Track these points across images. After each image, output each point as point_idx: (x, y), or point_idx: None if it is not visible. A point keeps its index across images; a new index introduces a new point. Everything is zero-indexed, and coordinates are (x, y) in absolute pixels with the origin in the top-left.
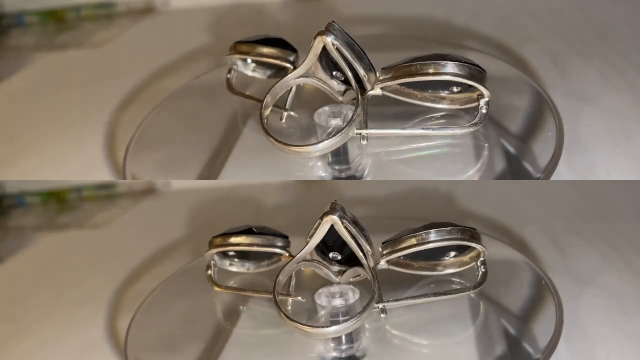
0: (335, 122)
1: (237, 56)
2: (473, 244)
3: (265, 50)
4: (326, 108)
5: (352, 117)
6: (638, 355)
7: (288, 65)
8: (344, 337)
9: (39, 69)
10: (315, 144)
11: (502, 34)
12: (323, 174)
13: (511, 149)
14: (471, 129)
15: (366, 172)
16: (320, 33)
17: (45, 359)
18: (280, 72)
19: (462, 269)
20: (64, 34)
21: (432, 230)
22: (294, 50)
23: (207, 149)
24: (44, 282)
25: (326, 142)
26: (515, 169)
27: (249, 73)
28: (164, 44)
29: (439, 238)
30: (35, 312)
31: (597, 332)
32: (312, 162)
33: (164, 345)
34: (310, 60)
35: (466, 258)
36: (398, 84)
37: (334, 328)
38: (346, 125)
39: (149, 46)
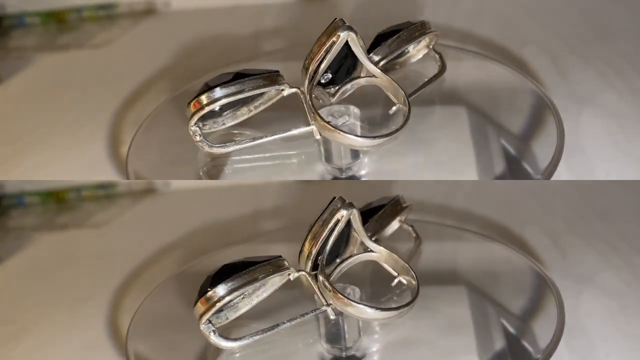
0: (343, 119)
1: (221, 102)
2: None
3: (260, 81)
4: (324, 110)
5: (408, 96)
6: (638, 355)
7: (281, 87)
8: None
9: (41, 69)
10: (398, 130)
11: (502, 36)
12: (323, 174)
13: (512, 150)
14: (445, 71)
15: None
16: (342, 29)
17: (45, 359)
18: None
19: (421, 55)
20: (66, 34)
21: (405, 30)
22: (274, 71)
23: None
24: (44, 282)
25: (403, 127)
26: (515, 170)
27: (222, 125)
28: (165, 44)
29: (415, 35)
30: (35, 312)
31: (597, 332)
32: (312, 161)
33: (165, 345)
34: (330, 59)
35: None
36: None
37: (380, 140)
38: (409, 104)
39: (150, 47)
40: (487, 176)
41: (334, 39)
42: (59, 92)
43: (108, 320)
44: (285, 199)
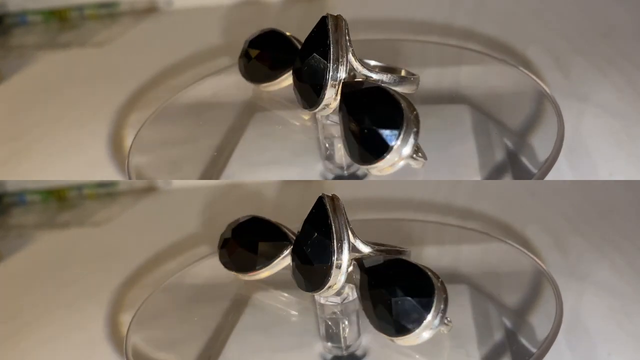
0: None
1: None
2: None
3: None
4: None
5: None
6: None
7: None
8: None
9: (42, 68)
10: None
11: (505, 35)
12: (324, 174)
13: (515, 149)
14: None
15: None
16: (338, 18)
17: (45, 357)
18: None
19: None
20: (67, 33)
21: None
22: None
23: (209, 149)
24: (45, 280)
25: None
26: (518, 169)
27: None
28: (167, 43)
29: None
30: (36, 311)
31: (599, 332)
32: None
33: (165, 344)
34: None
35: None
36: None
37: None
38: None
39: (152, 46)
40: (489, 175)
41: (347, 31)
42: (61, 91)
43: (108, 319)
44: (285, 199)
